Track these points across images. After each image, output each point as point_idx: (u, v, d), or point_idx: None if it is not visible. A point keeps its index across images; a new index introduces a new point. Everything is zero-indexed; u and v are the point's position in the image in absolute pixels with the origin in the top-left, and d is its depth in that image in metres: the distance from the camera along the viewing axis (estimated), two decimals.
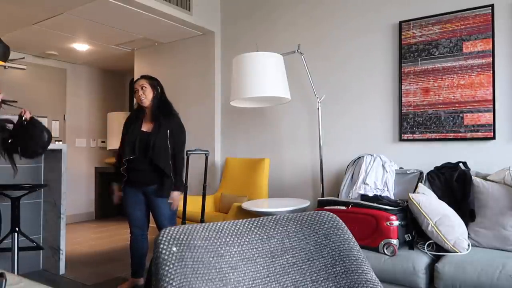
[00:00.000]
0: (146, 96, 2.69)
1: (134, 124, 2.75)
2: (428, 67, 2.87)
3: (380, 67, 3.13)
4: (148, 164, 2.64)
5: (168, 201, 2.65)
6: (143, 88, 2.69)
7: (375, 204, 2.22)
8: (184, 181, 2.75)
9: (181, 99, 4.32)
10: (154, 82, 2.75)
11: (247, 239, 1.14)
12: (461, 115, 2.74)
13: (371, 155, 2.79)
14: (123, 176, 2.72)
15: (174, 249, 0.99)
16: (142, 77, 2.77)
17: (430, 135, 2.86)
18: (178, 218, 3.41)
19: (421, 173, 2.62)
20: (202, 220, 2.81)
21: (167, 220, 2.69)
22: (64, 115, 5.58)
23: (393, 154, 3.03)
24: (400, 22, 3.01)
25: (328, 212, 1.28)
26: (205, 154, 2.72)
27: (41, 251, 3.33)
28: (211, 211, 3.69)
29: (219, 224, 1.15)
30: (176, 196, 2.67)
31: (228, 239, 1.11)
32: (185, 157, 2.72)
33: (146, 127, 2.73)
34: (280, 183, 3.67)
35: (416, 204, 2.16)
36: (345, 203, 2.33)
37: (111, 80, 6.25)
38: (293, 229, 1.21)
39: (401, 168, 2.83)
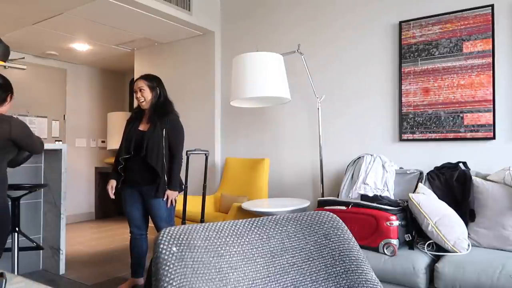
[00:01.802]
0: (145, 98, 2.68)
1: (134, 123, 2.76)
2: (428, 67, 2.87)
3: (380, 67, 3.13)
4: (142, 163, 2.63)
5: (163, 199, 2.64)
6: (141, 90, 2.68)
7: (375, 204, 2.22)
8: (183, 182, 2.75)
9: (181, 99, 4.32)
10: (153, 83, 2.71)
11: (247, 239, 1.14)
12: (461, 115, 2.74)
13: (371, 155, 2.79)
14: (120, 176, 2.72)
15: (174, 249, 0.99)
16: (141, 77, 2.74)
17: (430, 135, 2.86)
18: (178, 218, 3.41)
19: (421, 173, 2.63)
20: (202, 220, 2.81)
21: (163, 221, 2.66)
22: (64, 115, 5.58)
23: (393, 154, 3.03)
24: (400, 22, 3.01)
25: (328, 212, 1.28)
26: (205, 154, 2.72)
27: (41, 251, 3.33)
28: (211, 211, 3.69)
29: (219, 224, 1.15)
30: (171, 194, 2.64)
31: (228, 239, 1.11)
32: (183, 157, 2.71)
33: (143, 126, 2.72)
34: (280, 183, 3.67)
35: (416, 204, 2.16)
36: (345, 203, 2.33)
37: (111, 80, 6.25)
38: (293, 229, 1.21)
39: (401, 168, 2.83)
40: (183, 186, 2.74)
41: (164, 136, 2.64)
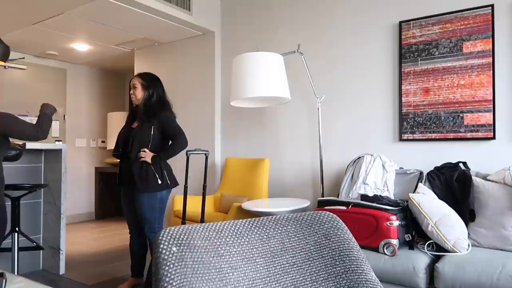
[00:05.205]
0: (136, 95, 2.68)
1: (129, 121, 2.79)
2: (428, 67, 2.87)
3: (380, 67, 3.13)
4: (128, 161, 2.62)
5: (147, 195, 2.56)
6: (135, 87, 2.69)
7: (375, 204, 2.22)
8: (177, 181, 2.73)
9: (181, 99, 4.32)
10: (147, 82, 2.69)
11: (247, 239, 1.14)
12: (461, 115, 2.74)
13: (371, 155, 2.79)
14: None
15: (174, 249, 0.99)
16: (138, 75, 2.75)
17: (430, 135, 2.86)
18: (177, 218, 3.41)
19: (421, 173, 2.62)
20: (202, 220, 2.81)
21: (146, 222, 2.57)
22: (64, 115, 5.58)
23: (393, 154, 3.03)
24: (400, 22, 3.01)
25: (328, 212, 1.28)
26: (205, 154, 2.72)
27: (41, 251, 3.33)
28: (211, 211, 3.69)
29: (219, 224, 1.15)
30: (149, 154, 2.55)
31: (228, 239, 1.11)
32: (185, 143, 2.63)
33: (135, 124, 2.73)
34: (280, 183, 3.67)
35: (416, 204, 2.16)
36: (345, 203, 2.33)
37: (111, 80, 6.25)
38: (293, 229, 1.21)
39: (401, 168, 2.83)
40: (178, 184, 2.72)
41: (153, 132, 2.60)
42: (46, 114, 2.39)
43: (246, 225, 1.18)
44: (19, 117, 2.32)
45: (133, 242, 2.80)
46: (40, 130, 2.29)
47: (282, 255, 1.15)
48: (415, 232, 2.21)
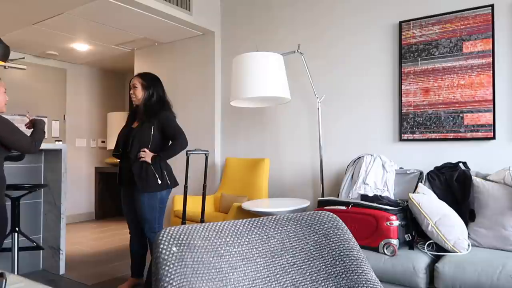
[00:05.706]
0: (136, 95, 2.68)
1: (129, 121, 2.80)
2: (428, 67, 2.87)
3: (380, 67, 3.13)
4: (128, 161, 2.62)
5: (147, 195, 2.55)
6: (134, 87, 2.68)
7: (375, 204, 2.22)
8: (177, 181, 2.73)
9: (181, 99, 4.32)
10: (147, 82, 2.69)
11: (247, 239, 1.14)
12: (461, 115, 2.74)
13: (371, 155, 2.79)
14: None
15: (174, 249, 0.99)
16: (138, 75, 2.75)
17: (430, 135, 2.86)
18: (177, 218, 3.41)
19: (421, 173, 2.63)
20: (202, 220, 2.81)
21: (146, 222, 2.57)
22: (64, 115, 5.58)
23: (393, 154, 3.03)
24: (400, 22, 3.01)
25: (328, 212, 1.28)
26: (205, 154, 2.72)
27: (41, 251, 3.33)
28: (211, 211, 3.69)
29: (219, 224, 1.15)
30: (149, 154, 2.55)
31: (228, 239, 1.11)
32: (184, 143, 2.63)
33: (135, 124, 2.73)
34: (280, 183, 3.67)
35: (416, 204, 2.16)
36: (345, 203, 2.33)
37: (111, 80, 6.25)
38: (293, 229, 1.21)
39: (401, 168, 2.83)
40: (178, 184, 2.72)
41: (153, 132, 2.60)
42: (40, 129, 2.46)
43: (246, 225, 1.18)
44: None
45: (133, 242, 2.80)
46: (36, 143, 2.36)
47: (282, 255, 1.15)
48: (415, 232, 2.21)
